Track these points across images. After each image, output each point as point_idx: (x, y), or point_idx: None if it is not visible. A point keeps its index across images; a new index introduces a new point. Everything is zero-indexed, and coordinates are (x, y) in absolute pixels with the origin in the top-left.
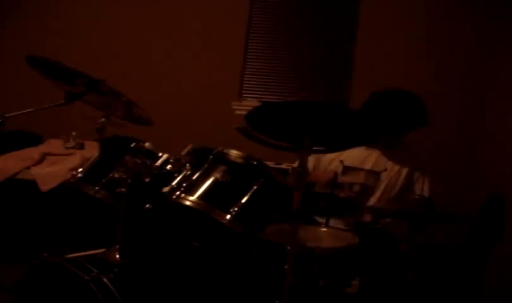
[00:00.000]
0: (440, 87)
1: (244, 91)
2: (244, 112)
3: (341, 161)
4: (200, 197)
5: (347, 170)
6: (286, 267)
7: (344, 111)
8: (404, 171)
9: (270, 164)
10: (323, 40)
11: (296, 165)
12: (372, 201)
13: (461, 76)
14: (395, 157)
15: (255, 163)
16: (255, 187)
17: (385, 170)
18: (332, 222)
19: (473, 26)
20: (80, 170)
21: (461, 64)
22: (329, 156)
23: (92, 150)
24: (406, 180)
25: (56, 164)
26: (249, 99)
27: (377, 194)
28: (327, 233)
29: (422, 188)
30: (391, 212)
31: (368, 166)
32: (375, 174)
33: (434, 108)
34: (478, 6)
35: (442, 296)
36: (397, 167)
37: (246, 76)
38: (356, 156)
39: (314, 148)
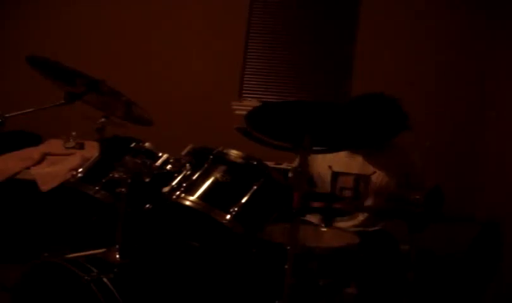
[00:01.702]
0: (440, 87)
1: (244, 91)
2: (244, 112)
3: (330, 167)
4: (200, 197)
5: (336, 175)
6: (286, 267)
7: (344, 111)
8: (393, 172)
9: (270, 164)
10: (323, 40)
11: (294, 164)
12: (365, 203)
13: (461, 76)
14: (379, 161)
15: (255, 163)
16: (255, 187)
17: (374, 172)
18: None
19: (473, 26)
20: (80, 170)
21: (461, 64)
22: (318, 162)
23: (92, 150)
24: (397, 180)
25: (56, 164)
26: (249, 99)
27: (371, 197)
28: (327, 233)
29: (416, 185)
30: (391, 213)
31: (355, 170)
32: (364, 177)
33: (434, 108)
34: (478, 6)
35: (441, 296)
36: (385, 169)
37: (246, 76)
38: (342, 161)
39: (314, 148)
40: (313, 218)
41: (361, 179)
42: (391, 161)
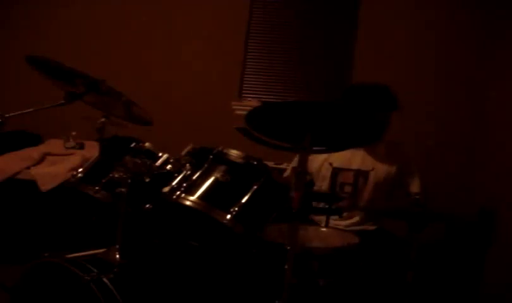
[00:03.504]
0: (440, 86)
1: (244, 91)
2: (244, 112)
3: (330, 164)
4: (200, 197)
5: (336, 171)
6: (286, 267)
7: (345, 111)
8: (393, 168)
9: (270, 164)
10: (323, 40)
11: (293, 164)
12: (363, 200)
13: (461, 75)
14: (380, 155)
15: (255, 163)
16: (255, 187)
17: (372, 169)
18: (332, 222)
19: (473, 25)
20: (80, 170)
21: (461, 64)
22: (319, 159)
23: (92, 150)
24: (395, 177)
25: (56, 164)
26: (249, 99)
27: (367, 193)
28: (327, 233)
29: (413, 184)
30: (390, 212)
31: (355, 166)
32: (363, 173)
33: (434, 108)
34: (478, 6)
35: (441, 296)
36: (385, 165)
37: (246, 76)
38: (343, 157)
39: (314, 148)
40: (317, 217)
41: (360, 174)
42: (390, 153)
